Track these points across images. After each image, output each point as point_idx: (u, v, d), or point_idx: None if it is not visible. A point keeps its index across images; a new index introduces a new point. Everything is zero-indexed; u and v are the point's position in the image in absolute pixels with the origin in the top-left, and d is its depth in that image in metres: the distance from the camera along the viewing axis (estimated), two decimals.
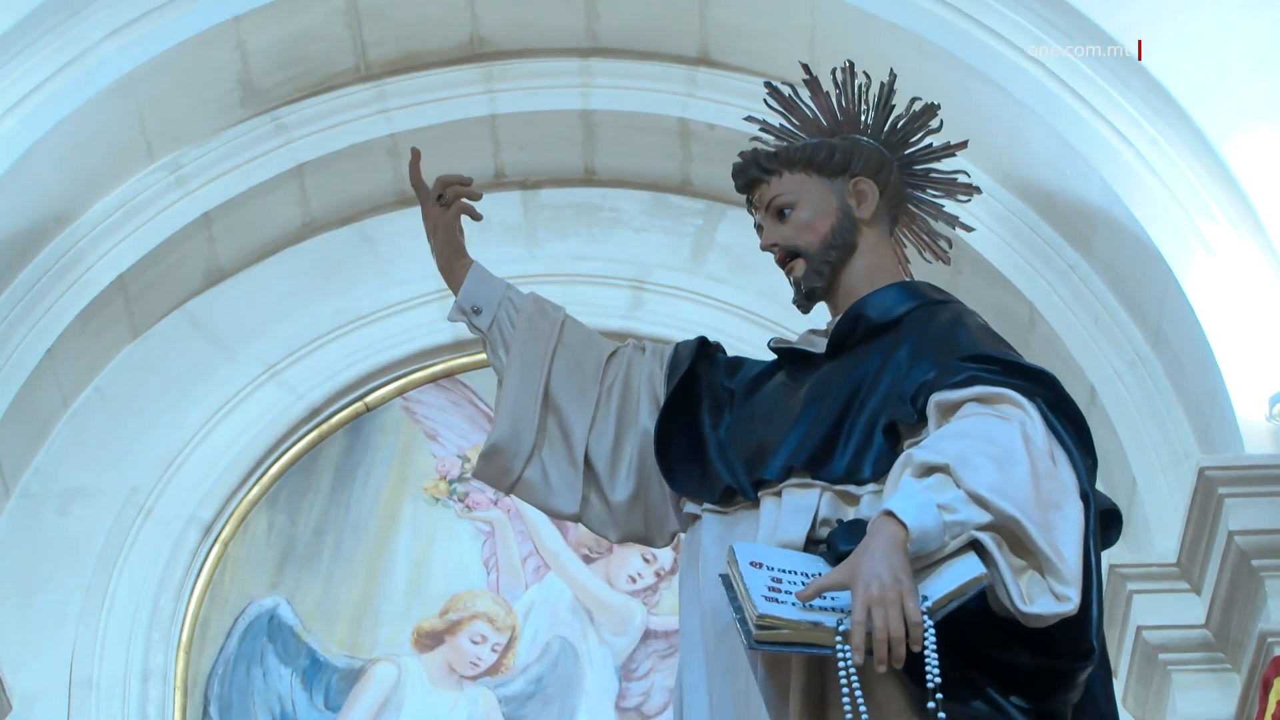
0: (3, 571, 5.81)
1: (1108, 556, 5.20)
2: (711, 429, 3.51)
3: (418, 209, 3.77)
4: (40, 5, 5.62)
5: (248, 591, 5.92)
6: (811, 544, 3.24)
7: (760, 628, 3.01)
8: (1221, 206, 5.35)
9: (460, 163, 6.11)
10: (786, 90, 3.66)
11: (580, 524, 3.65)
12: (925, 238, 3.67)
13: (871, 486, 3.27)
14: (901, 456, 3.18)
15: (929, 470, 3.08)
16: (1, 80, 5.60)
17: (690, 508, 3.47)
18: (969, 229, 3.72)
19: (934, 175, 3.66)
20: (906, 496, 3.05)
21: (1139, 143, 5.46)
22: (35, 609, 5.77)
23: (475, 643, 5.89)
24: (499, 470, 3.60)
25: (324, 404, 6.12)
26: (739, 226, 6.20)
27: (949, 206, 3.68)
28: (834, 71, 3.62)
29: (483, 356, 3.66)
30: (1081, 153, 5.53)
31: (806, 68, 3.67)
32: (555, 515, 3.69)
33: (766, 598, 3.03)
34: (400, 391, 6.18)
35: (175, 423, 6.02)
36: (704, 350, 3.64)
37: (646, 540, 3.65)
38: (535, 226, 6.31)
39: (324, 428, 6.12)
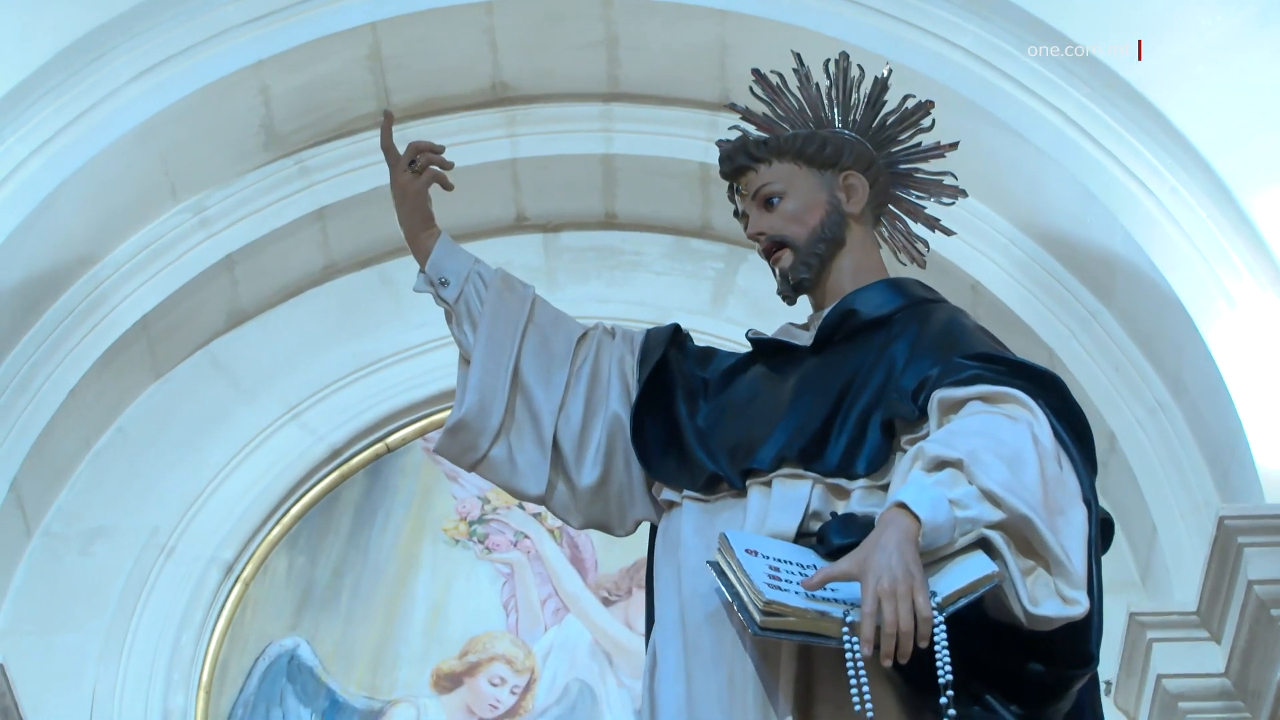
0: (24, 612, 5.81)
1: (1127, 604, 5.24)
2: (688, 417, 3.46)
3: None
4: (64, 49, 5.64)
5: (268, 632, 5.92)
6: (800, 536, 3.20)
7: (766, 614, 2.97)
8: (1242, 256, 5.35)
9: (481, 206, 6.15)
10: (775, 79, 3.62)
11: (542, 505, 3.58)
12: (903, 239, 3.65)
13: (863, 481, 3.24)
14: (911, 449, 3.13)
15: (941, 465, 3.04)
16: (26, 124, 5.62)
17: (667, 494, 3.42)
18: (950, 233, 3.68)
19: (919, 176, 3.63)
20: (919, 490, 3.00)
21: (1160, 192, 5.46)
22: (56, 649, 5.77)
23: (494, 685, 5.88)
24: (464, 447, 3.54)
25: (344, 445, 6.12)
26: (759, 271, 6.19)
27: (931, 209, 3.65)
28: (826, 63, 3.58)
29: None
30: (1102, 201, 5.53)
31: (798, 57, 3.63)
32: (519, 496, 3.61)
33: (769, 584, 3.00)
34: (421, 433, 6.18)
35: (197, 464, 6.03)
36: (675, 338, 3.61)
37: (607, 528, 3.59)
38: (556, 270, 6.31)
39: (344, 469, 6.13)
